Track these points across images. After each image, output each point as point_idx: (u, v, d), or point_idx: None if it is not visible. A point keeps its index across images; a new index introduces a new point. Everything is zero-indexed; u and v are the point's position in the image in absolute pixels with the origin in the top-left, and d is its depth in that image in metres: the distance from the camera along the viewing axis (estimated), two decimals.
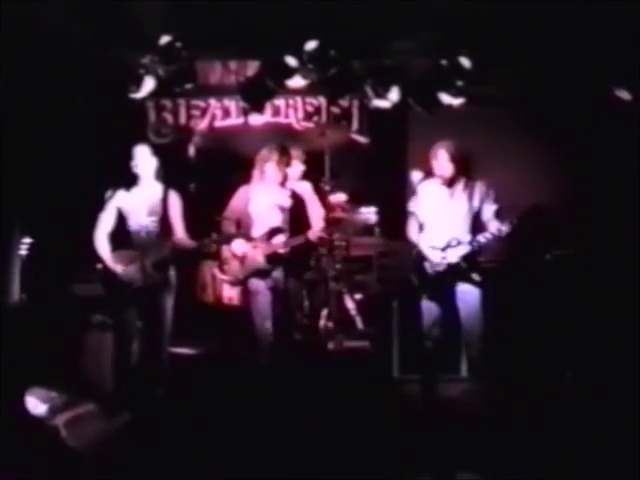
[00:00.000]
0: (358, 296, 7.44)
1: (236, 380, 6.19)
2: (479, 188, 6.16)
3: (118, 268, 6.08)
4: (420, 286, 6.12)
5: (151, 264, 6.06)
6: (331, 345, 6.95)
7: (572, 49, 6.79)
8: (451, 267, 6.05)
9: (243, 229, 6.37)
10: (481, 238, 6.02)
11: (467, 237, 6.04)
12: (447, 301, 6.08)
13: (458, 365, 6.68)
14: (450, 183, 6.15)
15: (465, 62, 6.93)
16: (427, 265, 6.14)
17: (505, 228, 5.94)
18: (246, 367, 6.36)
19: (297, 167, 6.95)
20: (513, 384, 6.17)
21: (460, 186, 6.17)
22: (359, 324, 7.30)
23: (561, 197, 7.31)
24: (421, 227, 6.12)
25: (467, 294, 6.08)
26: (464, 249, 6.02)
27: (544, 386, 6.16)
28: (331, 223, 6.59)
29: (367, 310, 7.34)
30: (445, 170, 6.13)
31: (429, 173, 6.17)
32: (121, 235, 6.20)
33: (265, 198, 6.43)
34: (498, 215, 6.10)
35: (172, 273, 6.19)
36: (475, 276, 6.04)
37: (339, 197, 7.27)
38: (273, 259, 6.31)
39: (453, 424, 5.56)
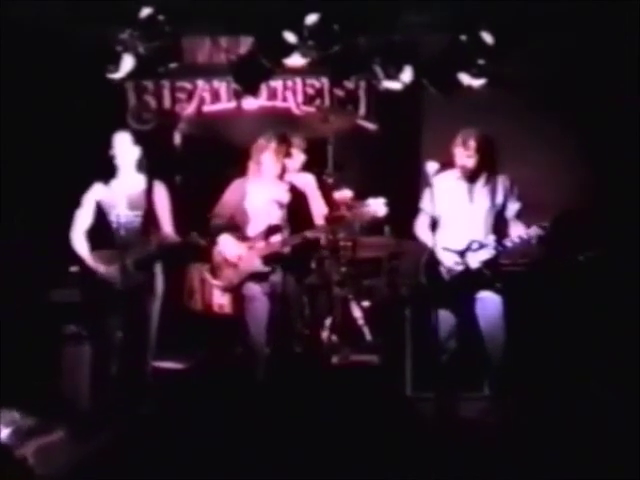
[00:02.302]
0: (366, 303, 7.41)
1: (228, 398, 6.08)
2: (502, 183, 6.14)
3: (100, 268, 6.08)
4: (433, 293, 6.10)
5: (133, 263, 6.05)
6: (335, 359, 6.91)
7: (609, 15, 6.74)
8: (471, 273, 6.02)
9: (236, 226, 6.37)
10: (507, 243, 6.00)
11: (489, 239, 6.03)
12: (465, 309, 6.06)
13: (480, 382, 6.57)
14: (471, 176, 6.12)
15: (487, 37, 6.89)
16: (442, 269, 6.11)
17: (534, 233, 5.92)
18: (240, 383, 6.29)
19: (297, 157, 6.88)
20: (541, 403, 6.12)
21: (482, 180, 6.14)
22: (367, 335, 7.25)
23: (592, 192, 7.44)
24: (434, 225, 6.05)
25: (487, 301, 6.06)
26: (486, 253, 6.00)
27: (576, 405, 6.03)
28: (334, 221, 6.55)
29: (376, 319, 7.30)
30: (469, 161, 6.08)
31: (446, 164, 6.10)
32: (100, 232, 6.17)
33: (262, 193, 6.39)
34: (520, 215, 6.10)
35: (158, 273, 6.20)
36: (498, 285, 6.03)
37: (344, 194, 7.21)
38: (271, 261, 6.27)
39: (473, 448, 5.43)
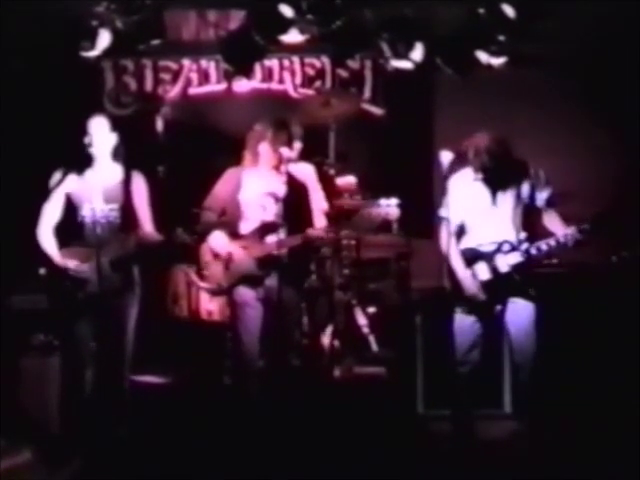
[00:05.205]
0: (372, 309, 7.39)
1: (218, 416, 6.18)
2: (526, 172, 6.06)
3: (71, 264, 6.02)
4: (458, 298, 5.98)
5: (109, 263, 5.98)
6: (338, 372, 6.86)
7: None
8: (500, 278, 5.95)
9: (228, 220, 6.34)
10: (542, 246, 5.94)
11: (521, 237, 5.98)
12: (492, 316, 5.98)
13: (501, 398, 6.67)
14: (489, 181, 6.07)
15: (508, 10, 6.88)
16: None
17: (572, 236, 5.86)
18: (230, 400, 6.28)
19: (295, 146, 6.81)
20: (573, 422, 6.11)
21: (502, 181, 6.08)
22: (373, 345, 7.22)
23: (629, 182, 7.45)
24: (460, 231, 6.05)
25: (519, 307, 5.98)
26: (517, 256, 5.95)
27: (616, 427, 6.02)
28: (338, 216, 6.43)
29: (383, 327, 7.27)
30: (484, 170, 6.03)
31: (462, 156, 6.04)
32: (72, 228, 6.10)
33: (256, 185, 6.32)
34: (552, 202, 6.04)
35: (136, 275, 6.14)
36: (531, 291, 5.96)
37: (348, 180, 7.17)
38: (265, 263, 6.18)
39: (494, 473, 5.45)
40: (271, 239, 6.21)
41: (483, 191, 6.07)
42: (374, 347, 7.19)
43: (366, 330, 7.23)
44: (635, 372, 6.34)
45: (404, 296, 7.30)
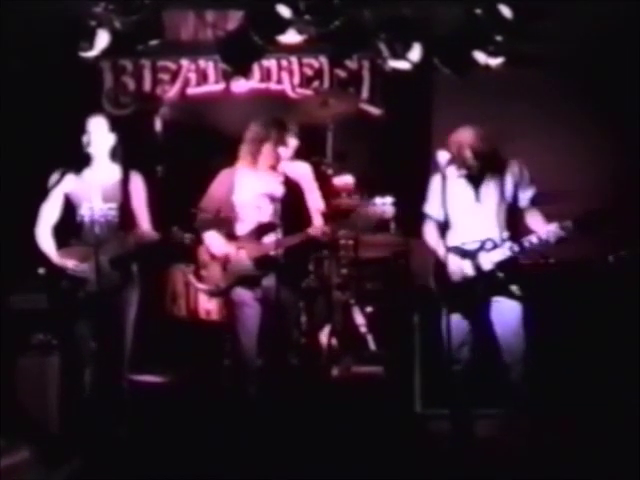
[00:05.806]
0: (369, 309, 7.40)
1: (216, 416, 6.17)
2: (510, 170, 6.05)
3: (70, 264, 6.04)
4: (442, 297, 6.00)
5: (108, 261, 6.00)
6: (336, 371, 6.89)
7: None
8: (484, 276, 5.94)
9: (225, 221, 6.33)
10: (525, 243, 5.91)
11: (504, 236, 5.96)
12: (478, 314, 5.98)
13: (494, 397, 6.47)
14: (474, 177, 6.05)
15: (506, 11, 6.83)
16: (453, 271, 6.02)
17: (554, 233, 5.82)
18: (229, 399, 6.28)
19: (291, 144, 6.82)
20: (565, 418, 6.11)
21: (487, 177, 6.06)
22: (371, 344, 7.24)
23: (625, 181, 7.40)
24: (445, 227, 5.99)
25: (504, 306, 5.96)
26: (501, 254, 5.92)
27: (605, 424, 6.04)
28: (335, 214, 6.44)
29: (381, 326, 7.29)
30: (468, 167, 6.02)
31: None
32: (70, 228, 6.12)
33: (252, 185, 6.32)
34: (536, 201, 6.02)
35: (135, 274, 6.16)
36: (515, 289, 5.94)
37: (345, 179, 7.20)
38: (263, 263, 6.19)
39: (491, 470, 5.45)
40: (268, 239, 6.21)
41: (467, 187, 6.06)
42: (372, 346, 7.22)
43: (364, 329, 7.26)
44: (634, 372, 6.31)
45: (402, 295, 7.30)
